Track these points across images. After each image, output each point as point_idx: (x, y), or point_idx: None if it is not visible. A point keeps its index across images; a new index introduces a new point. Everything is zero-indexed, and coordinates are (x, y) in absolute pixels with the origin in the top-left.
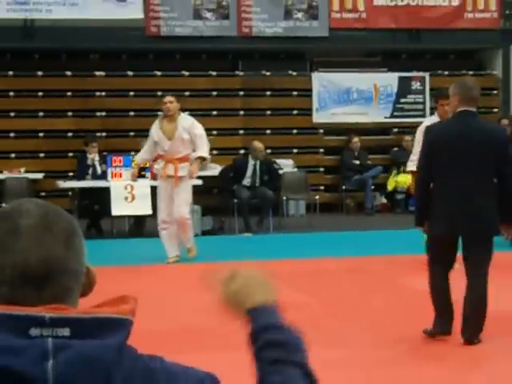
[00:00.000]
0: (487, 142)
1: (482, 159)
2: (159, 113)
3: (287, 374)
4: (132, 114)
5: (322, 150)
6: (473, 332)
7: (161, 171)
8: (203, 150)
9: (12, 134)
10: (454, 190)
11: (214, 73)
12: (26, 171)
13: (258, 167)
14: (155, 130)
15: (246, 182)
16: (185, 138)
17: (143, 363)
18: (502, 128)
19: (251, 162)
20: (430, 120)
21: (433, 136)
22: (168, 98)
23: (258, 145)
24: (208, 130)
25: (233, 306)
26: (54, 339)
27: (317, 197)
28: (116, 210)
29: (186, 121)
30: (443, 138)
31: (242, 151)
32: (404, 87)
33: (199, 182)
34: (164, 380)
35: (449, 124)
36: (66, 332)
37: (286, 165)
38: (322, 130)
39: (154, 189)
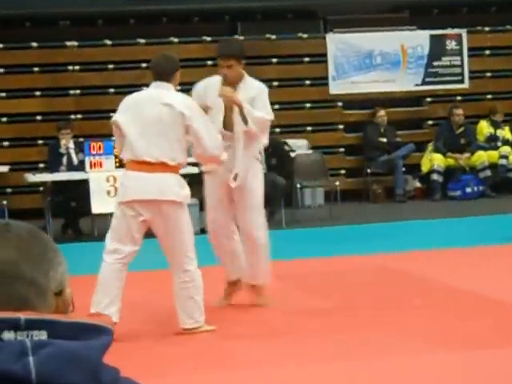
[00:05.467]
0: None
1: None
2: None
3: None
4: (112, 90)
5: (341, 127)
6: None
7: None
8: None
9: None
10: None
11: (209, 38)
12: None
13: (262, 150)
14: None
15: None
16: None
17: (125, 380)
18: None
19: None
20: None
21: None
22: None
23: None
24: None
25: None
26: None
27: (337, 183)
28: (97, 207)
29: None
30: None
31: None
32: (437, 48)
33: (195, 171)
34: None
35: None
36: (42, 335)
37: (299, 146)
38: (340, 103)
39: None
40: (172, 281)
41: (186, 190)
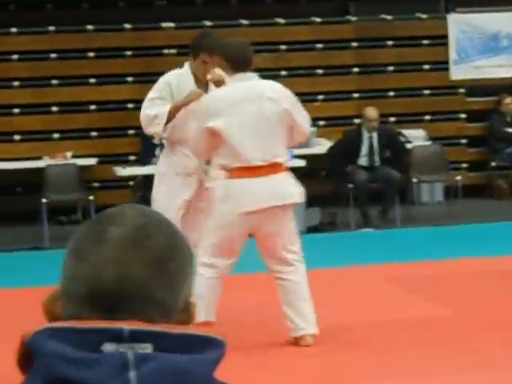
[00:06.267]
0: None
1: None
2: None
3: None
4: None
5: (463, 116)
6: None
7: None
8: None
9: (54, 108)
10: None
11: (318, 19)
12: (74, 156)
13: (375, 141)
14: None
15: (363, 161)
16: None
17: None
18: None
19: (366, 135)
20: None
21: None
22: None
23: (369, 112)
24: (312, 94)
25: None
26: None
27: (458, 177)
28: None
29: None
30: None
31: (357, 120)
32: None
33: (302, 163)
34: None
35: None
36: (147, 349)
37: (416, 136)
38: (462, 90)
39: None
40: (277, 285)
41: (300, 187)
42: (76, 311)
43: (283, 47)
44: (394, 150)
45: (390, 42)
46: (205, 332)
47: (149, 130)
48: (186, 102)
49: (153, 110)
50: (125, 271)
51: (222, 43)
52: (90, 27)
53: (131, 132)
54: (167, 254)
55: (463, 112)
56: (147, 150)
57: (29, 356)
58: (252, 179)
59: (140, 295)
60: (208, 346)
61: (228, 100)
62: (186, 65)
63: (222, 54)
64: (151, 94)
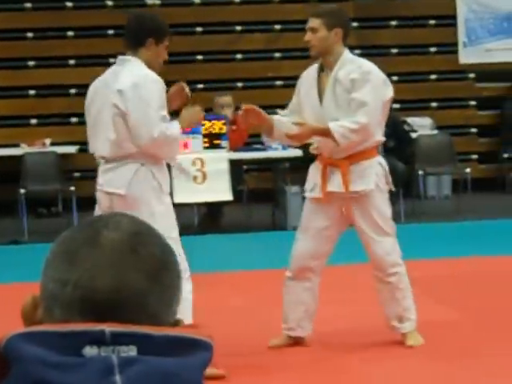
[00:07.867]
0: None
1: None
2: (238, 55)
3: None
4: (200, 57)
5: (473, 103)
6: None
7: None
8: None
9: (31, 92)
10: None
11: None
12: (53, 143)
13: None
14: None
15: None
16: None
17: None
18: None
19: None
20: None
21: None
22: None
23: None
24: None
25: None
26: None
27: (467, 170)
28: (180, 196)
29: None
30: None
31: None
32: None
33: (297, 154)
34: None
35: None
36: (131, 351)
37: (422, 125)
38: (472, 75)
39: (233, 163)
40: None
41: None
42: (65, 317)
43: (277, 27)
44: (397, 139)
45: (393, 22)
46: (191, 334)
47: (177, 156)
48: (190, 126)
49: (173, 130)
50: (121, 279)
51: (340, 16)
52: (69, 4)
53: None
54: (162, 265)
55: (473, 99)
56: None
57: (4, 362)
58: None
59: (134, 305)
60: (195, 349)
61: None
62: (135, 58)
63: (344, 26)
64: (159, 104)
